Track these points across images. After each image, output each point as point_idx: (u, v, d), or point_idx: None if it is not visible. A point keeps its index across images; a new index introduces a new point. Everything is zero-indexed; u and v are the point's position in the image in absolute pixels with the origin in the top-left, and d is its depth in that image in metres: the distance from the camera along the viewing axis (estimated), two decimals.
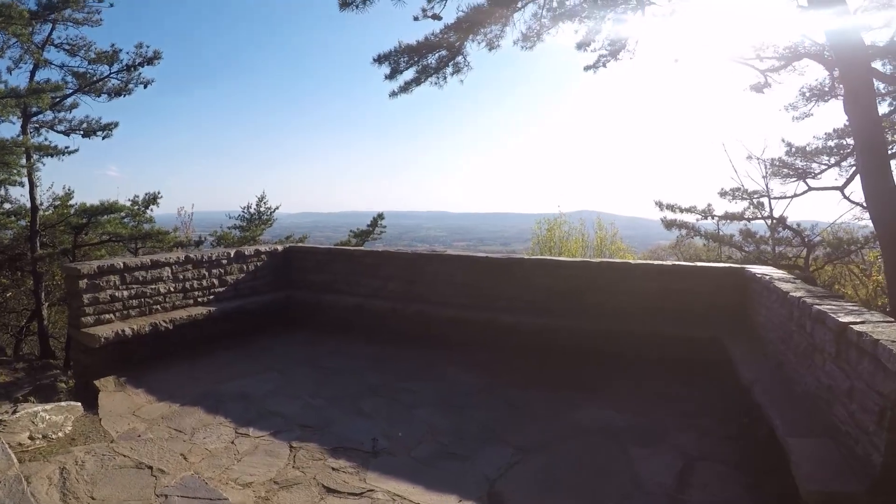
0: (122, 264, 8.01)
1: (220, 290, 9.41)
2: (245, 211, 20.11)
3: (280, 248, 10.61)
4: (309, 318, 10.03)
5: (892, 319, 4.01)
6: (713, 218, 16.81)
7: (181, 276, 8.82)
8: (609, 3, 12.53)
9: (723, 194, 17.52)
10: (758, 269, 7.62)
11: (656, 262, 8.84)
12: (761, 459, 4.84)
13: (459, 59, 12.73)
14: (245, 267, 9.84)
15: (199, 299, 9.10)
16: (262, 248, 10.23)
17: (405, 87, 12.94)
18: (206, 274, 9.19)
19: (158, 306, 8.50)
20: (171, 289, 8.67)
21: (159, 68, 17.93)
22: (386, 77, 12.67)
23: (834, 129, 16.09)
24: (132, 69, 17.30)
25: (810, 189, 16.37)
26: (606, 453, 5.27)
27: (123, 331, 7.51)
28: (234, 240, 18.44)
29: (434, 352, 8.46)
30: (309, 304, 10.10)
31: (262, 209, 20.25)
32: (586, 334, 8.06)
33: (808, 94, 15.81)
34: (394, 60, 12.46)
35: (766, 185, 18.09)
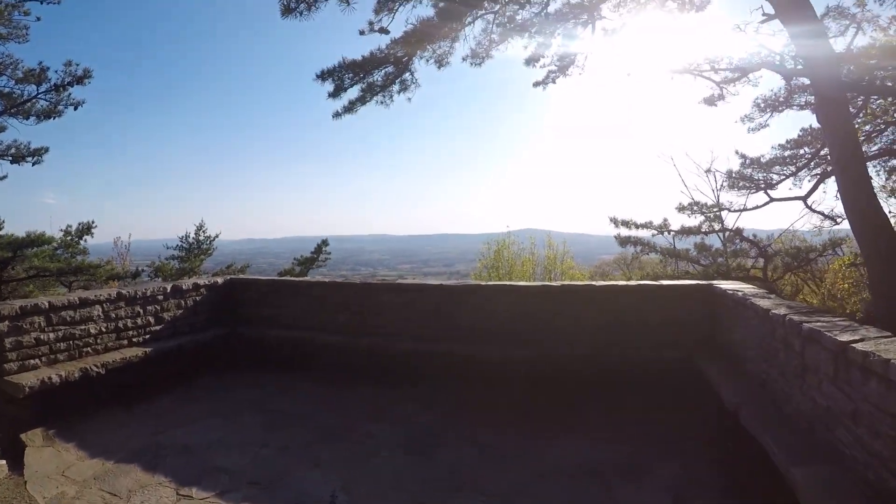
0: (46, 304, 7.45)
1: (157, 328, 8.91)
2: (183, 240, 19.46)
3: (220, 280, 10.14)
4: (254, 354, 9.58)
5: (889, 333, 3.81)
6: (669, 233, 16.90)
7: (113, 315, 8.28)
8: (559, 18, 12.45)
9: (681, 209, 17.63)
10: (726, 285, 7.54)
11: (621, 283, 8.66)
12: (756, 488, 4.62)
13: (407, 76, 12.45)
14: (183, 302, 9.33)
15: (135, 339, 8.57)
16: (201, 282, 9.76)
17: (350, 107, 12.54)
18: (141, 311, 8.67)
19: (89, 349, 7.95)
20: (103, 329, 8.13)
21: (93, 89, 17.16)
22: (329, 95, 12.24)
23: (788, 140, 16.36)
24: (61, 89, 16.49)
25: (772, 200, 16.50)
26: (590, 495, 4.97)
27: (50, 378, 6.97)
28: (172, 271, 17.75)
29: (392, 389, 8.14)
30: (253, 339, 9.67)
31: (201, 238, 19.60)
32: (552, 363, 7.87)
33: (762, 105, 15.97)
34: (338, 77, 12.02)
35: (717, 198, 18.42)
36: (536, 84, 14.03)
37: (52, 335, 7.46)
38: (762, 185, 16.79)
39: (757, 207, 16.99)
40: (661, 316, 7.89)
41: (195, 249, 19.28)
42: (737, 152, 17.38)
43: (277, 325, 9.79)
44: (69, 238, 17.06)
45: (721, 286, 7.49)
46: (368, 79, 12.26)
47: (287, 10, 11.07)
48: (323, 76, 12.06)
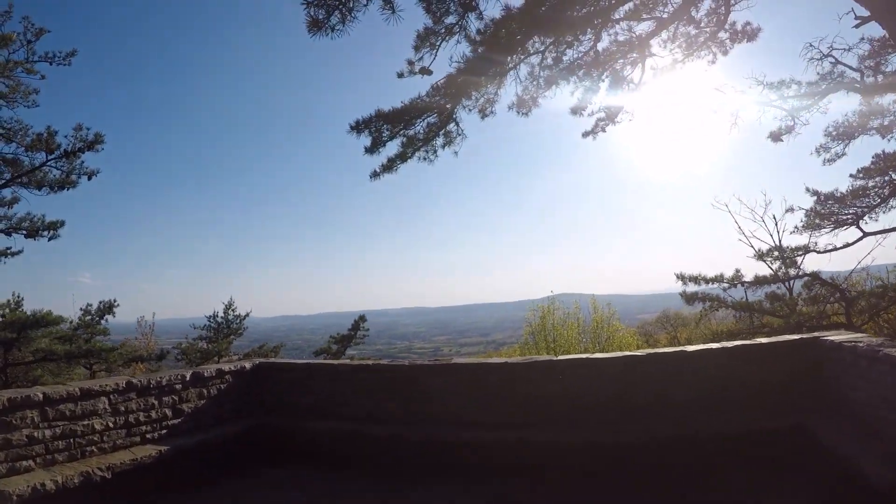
0: (41, 395, 6.49)
1: (175, 422, 7.89)
2: (212, 320, 18.58)
3: (248, 365, 9.08)
4: (289, 450, 8.42)
5: None
6: (742, 285, 16.02)
7: (123, 408, 7.30)
8: (607, 59, 11.80)
9: (760, 256, 16.58)
10: (837, 337, 6.82)
11: (714, 346, 7.62)
12: None
13: (451, 126, 11.53)
14: (205, 391, 8.32)
15: (149, 436, 7.55)
16: (226, 367, 8.73)
17: (389, 165, 11.57)
18: (156, 403, 7.67)
19: (94, 447, 6.94)
20: (110, 424, 7.13)
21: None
22: (366, 150, 11.22)
23: (859, 169, 15.33)
24: (72, 155, 15.73)
25: (866, 235, 15.37)
26: None
27: (44, 484, 6.00)
28: (199, 352, 16.75)
29: (455, 486, 6.91)
30: (287, 432, 8.57)
31: (230, 317, 18.69)
32: (643, 448, 6.85)
33: (835, 133, 14.90)
34: (375, 129, 10.99)
35: (780, 242, 18.02)
36: (585, 134, 13.67)
37: (48, 432, 6.50)
38: (850, 220, 15.60)
39: (847, 245, 15.83)
40: (760, 378, 7.17)
41: (224, 329, 18.36)
42: (808, 189, 16.57)
43: (314, 415, 8.69)
44: (88, 318, 16.28)
45: (830, 338, 6.76)
46: (409, 131, 11.30)
47: (315, 25, 9.10)
48: (358, 128, 11.03)
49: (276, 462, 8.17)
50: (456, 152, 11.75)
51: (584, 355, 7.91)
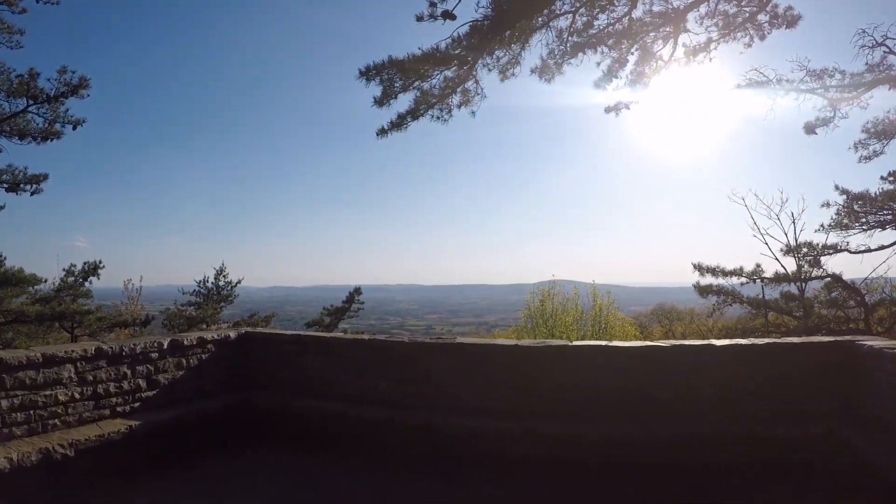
0: None
1: (150, 394, 7.29)
2: (201, 285, 17.92)
3: (233, 334, 8.46)
4: (275, 428, 7.84)
5: None
6: (762, 280, 15.50)
7: (91, 377, 6.71)
8: (640, 29, 11.05)
9: (787, 251, 15.99)
10: (876, 343, 6.35)
11: (744, 342, 6.95)
12: None
13: (470, 84, 10.77)
14: (185, 362, 7.71)
15: (119, 409, 6.98)
16: (208, 336, 8.07)
17: (399, 123, 10.86)
18: (129, 373, 7.07)
19: (57, 420, 6.36)
20: (77, 395, 6.55)
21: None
22: (375, 102, 10.48)
23: (890, 172, 14.74)
24: (55, 101, 14.69)
25: None
26: None
27: None
28: (185, 319, 16.08)
29: (457, 483, 6.28)
30: (274, 410, 7.98)
31: (221, 283, 18.01)
32: (661, 446, 6.35)
33: (873, 130, 14.24)
34: (386, 78, 10.22)
35: (796, 241, 17.78)
36: (608, 109, 13.21)
37: (4, 403, 5.94)
38: (890, 220, 15.02)
39: (883, 248, 15.29)
40: (789, 379, 6.67)
41: (214, 296, 17.70)
42: (837, 187, 15.92)
43: (304, 392, 8.10)
44: (71, 279, 15.59)
45: (869, 343, 6.35)
46: (423, 84, 10.54)
47: None
48: (367, 74, 10.21)
49: (261, 442, 7.57)
50: (473, 112, 11.05)
51: (601, 342, 7.26)
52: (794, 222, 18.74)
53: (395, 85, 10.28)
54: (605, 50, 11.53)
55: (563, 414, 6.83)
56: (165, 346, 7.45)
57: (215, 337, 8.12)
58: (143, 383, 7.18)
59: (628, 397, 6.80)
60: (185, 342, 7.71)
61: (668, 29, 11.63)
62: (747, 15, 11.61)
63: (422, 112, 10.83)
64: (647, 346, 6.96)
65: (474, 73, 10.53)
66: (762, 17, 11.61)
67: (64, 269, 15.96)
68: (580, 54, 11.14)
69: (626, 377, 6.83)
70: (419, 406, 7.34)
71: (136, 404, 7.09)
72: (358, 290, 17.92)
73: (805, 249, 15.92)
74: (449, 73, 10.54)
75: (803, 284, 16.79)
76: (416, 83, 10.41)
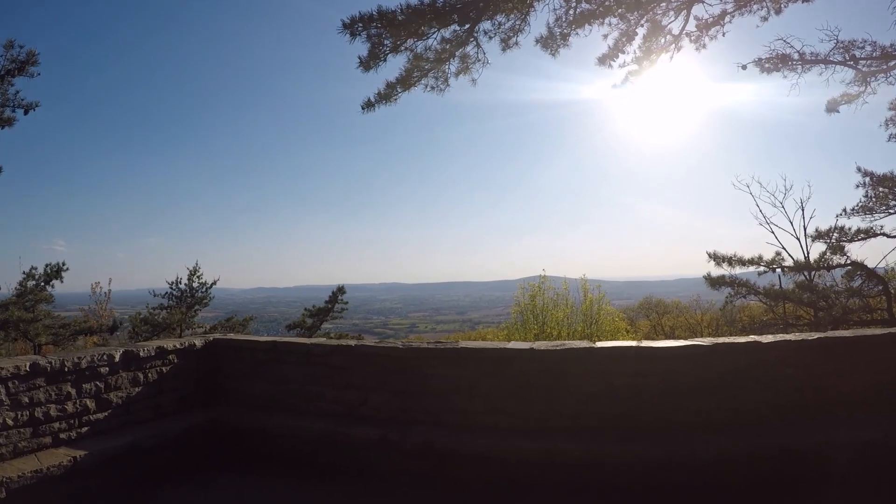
0: None
1: (100, 416, 6.35)
2: (174, 287, 16.80)
3: (199, 342, 7.46)
4: (251, 452, 6.87)
5: None
6: (781, 269, 14.78)
7: (27, 400, 5.77)
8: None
9: (816, 237, 15.24)
10: None
11: (793, 338, 6.15)
12: None
13: (471, 48, 9.69)
14: (142, 376, 6.74)
15: (63, 436, 6.03)
16: (169, 345, 7.09)
17: (387, 94, 9.75)
18: (73, 392, 6.11)
19: None
20: (9, 421, 5.62)
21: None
22: (361, 63, 9.27)
23: None
24: (2, 80, 13.23)
25: None
26: None
27: None
28: (152, 325, 15.01)
29: None
30: (247, 430, 7.00)
31: (195, 284, 16.91)
32: (711, 467, 5.44)
33: None
34: (374, 34, 9.03)
35: (805, 230, 17.90)
36: (615, 87, 12.44)
37: None
38: None
39: None
40: (845, 380, 5.94)
41: (188, 298, 16.60)
42: (859, 169, 15.19)
43: (282, 408, 7.13)
44: (32, 283, 14.52)
45: None
46: (417, 45, 9.42)
47: None
48: (352, 27, 9.01)
49: (235, 468, 6.60)
50: (474, 80, 9.98)
51: (630, 343, 6.33)
52: (802, 209, 18.38)
53: (385, 44, 9.19)
54: (614, 21, 10.78)
55: (589, 429, 5.94)
56: (117, 359, 6.46)
57: (177, 346, 7.15)
58: (91, 404, 6.22)
59: (667, 408, 5.95)
60: (142, 353, 6.73)
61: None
62: None
63: (415, 80, 9.81)
64: (687, 346, 6.05)
65: (475, 34, 9.50)
66: None
67: (24, 273, 14.95)
68: (587, 25, 10.33)
69: (662, 384, 5.98)
70: (417, 422, 6.40)
71: (84, 429, 6.14)
72: (341, 290, 16.98)
73: (836, 234, 15.07)
74: (447, 34, 9.49)
75: (812, 274, 16.09)
76: (409, 43, 9.35)
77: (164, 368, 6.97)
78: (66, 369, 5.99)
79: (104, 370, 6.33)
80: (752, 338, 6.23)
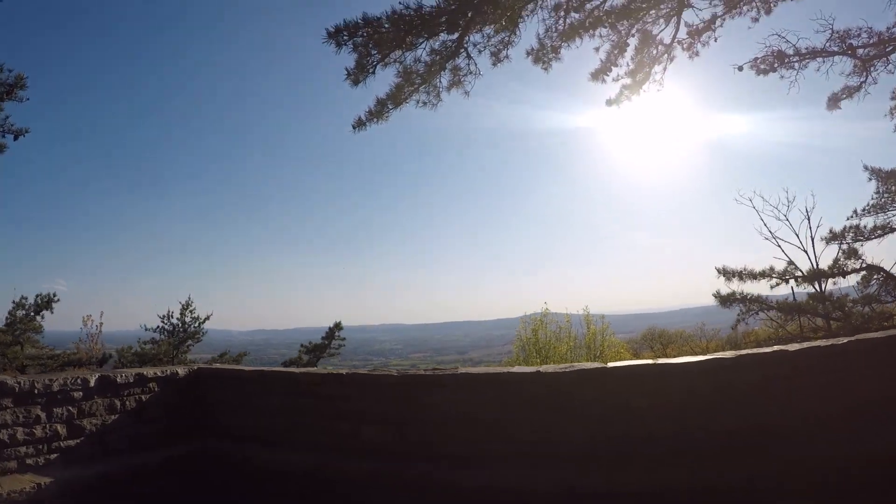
0: None
1: (71, 443, 5.97)
2: (165, 321, 16.25)
3: (181, 371, 7.07)
4: (232, 487, 6.46)
5: None
6: (795, 280, 14.42)
7: None
8: (638, 8, 10.47)
9: (831, 238, 14.87)
10: None
11: (823, 344, 5.77)
12: None
13: (461, 60, 9.43)
14: (119, 403, 6.34)
15: (30, 461, 5.69)
16: (149, 372, 6.71)
17: (378, 111, 9.40)
18: (43, 416, 5.72)
19: None
20: None
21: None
22: (348, 75, 8.91)
23: None
24: None
25: None
26: None
27: None
28: (138, 355, 14.54)
29: None
30: (231, 464, 6.60)
31: (187, 319, 16.37)
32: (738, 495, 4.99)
33: None
34: (360, 44, 8.65)
35: (813, 242, 17.39)
36: (609, 102, 12.29)
37: None
38: None
39: None
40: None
41: (180, 332, 16.07)
42: (866, 167, 15.01)
43: (268, 441, 6.68)
44: (21, 313, 14.14)
45: None
46: (406, 56, 9.08)
47: None
48: (337, 36, 8.61)
49: None
50: (467, 93, 9.68)
51: (646, 361, 5.93)
52: (808, 217, 17.97)
53: (372, 54, 8.84)
54: (604, 32, 10.74)
55: (605, 458, 5.41)
56: (92, 384, 6.08)
57: (159, 374, 6.76)
58: (62, 430, 5.83)
59: (691, 430, 5.43)
60: (119, 379, 6.35)
61: (670, 5, 10.79)
62: None
63: (406, 96, 9.49)
64: (707, 360, 5.63)
65: (465, 45, 9.24)
66: None
67: (14, 302, 14.58)
68: (577, 38, 10.27)
69: (681, 404, 5.48)
70: (414, 455, 5.91)
71: (53, 456, 5.75)
72: (338, 325, 16.48)
73: (852, 234, 14.70)
74: (435, 45, 9.21)
75: (822, 283, 15.70)
76: (398, 55, 9.03)
77: (143, 396, 6.56)
78: (36, 391, 5.61)
79: (77, 395, 5.95)
80: (778, 347, 5.84)
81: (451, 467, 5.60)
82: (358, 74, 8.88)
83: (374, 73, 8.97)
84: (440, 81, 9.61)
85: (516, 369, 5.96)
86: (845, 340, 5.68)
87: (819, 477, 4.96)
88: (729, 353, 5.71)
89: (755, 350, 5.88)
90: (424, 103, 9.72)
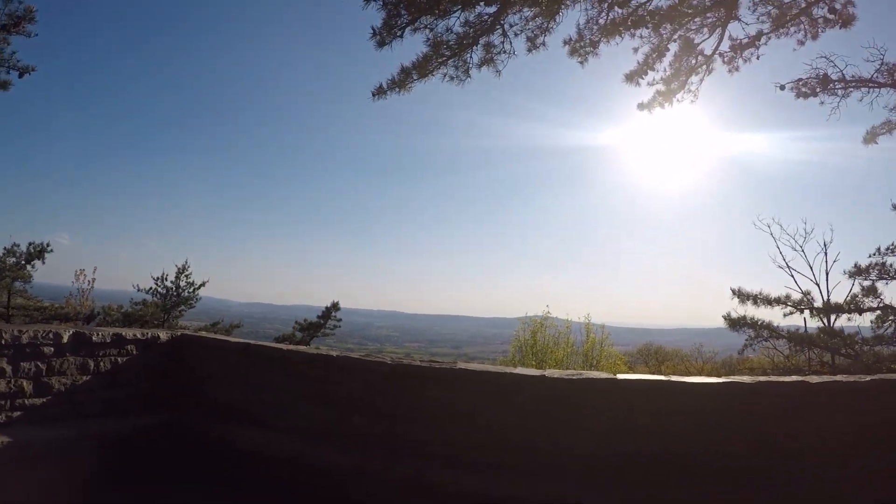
0: None
1: (37, 401, 5.58)
2: (159, 283, 15.84)
3: (164, 335, 6.68)
4: (206, 464, 6.03)
5: None
6: (810, 311, 14.20)
7: None
8: (684, 13, 10.21)
9: (855, 273, 14.53)
10: None
11: (846, 379, 5.32)
12: None
13: (496, 36, 8.98)
14: (93, 364, 5.95)
15: None
16: (129, 333, 6.32)
17: (401, 81, 8.99)
18: (8, 370, 5.36)
19: None
20: None
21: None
22: (374, 35, 8.48)
23: None
24: None
25: None
26: None
27: None
28: (124, 315, 14.19)
29: None
30: (208, 439, 6.20)
31: (181, 283, 15.97)
32: None
33: None
34: (392, 1, 8.23)
35: (828, 271, 16.95)
36: (641, 106, 11.98)
37: None
38: None
39: None
40: None
41: (173, 296, 15.67)
42: (894, 206, 14.51)
43: (250, 418, 6.29)
44: (12, 260, 13.87)
45: None
46: (438, 24, 8.65)
47: None
48: None
49: (184, 482, 5.77)
50: (499, 71, 9.27)
51: (659, 377, 5.47)
52: (825, 252, 17.66)
53: (401, 14, 8.40)
54: (645, 33, 10.44)
55: (607, 474, 5.02)
56: (65, 340, 5.69)
57: (138, 336, 6.37)
58: (28, 386, 5.44)
59: (702, 456, 4.99)
60: (95, 338, 5.96)
61: (716, 14, 10.53)
62: (803, 5, 10.54)
63: (432, 68, 9.05)
64: (726, 383, 5.23)
65: (502, 21, 8.81)
66: (818, 11, 10.56)
67: (5, 248, 14.33)
68: (618, 35, 9.95)
69: (695, 427, 5.07)
70: (404, 452, 5.51)
71: (16, 414, 5.36)
72: (336, 306, 16.12)
73: (876, 271, 14.30)
74: (471, 17, 8.80)
75: (833, 318, 15.38)
76: (428, 21, 8.60)
77: (120, 359, 6.17)
78: (3, 342, 5.22)
79: (48, 350, 5.56)
80: (800, 378, 5.42)
81: (442, 468, 5.21)
82: (385, 35, 8.49)
83: (401, 36, 8.58)
84: (471, 57, 9.21)
85: (519, 371, 5.56)
86: (868, 378, 5.23)
87: None
88: (746, 378, 5.35)
89: (775, 378, 5.48)
90: (452, 78, 9.33)
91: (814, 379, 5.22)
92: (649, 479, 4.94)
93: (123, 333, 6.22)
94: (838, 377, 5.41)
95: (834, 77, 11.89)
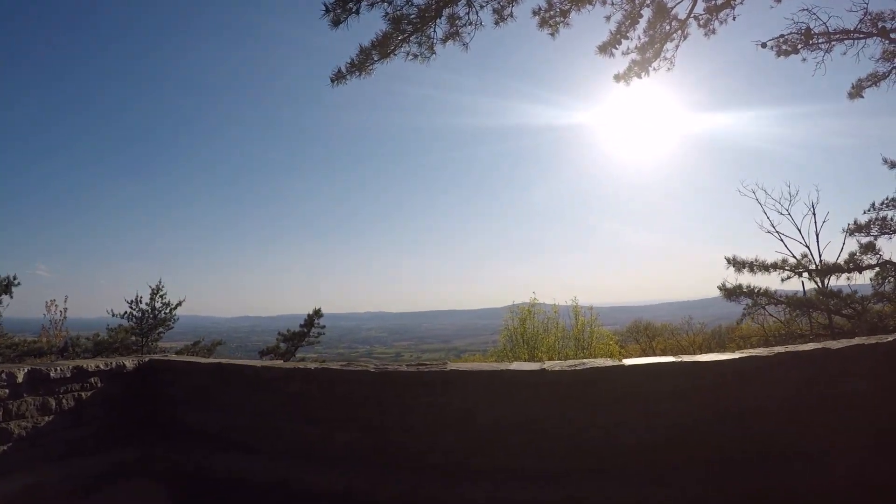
0: None
1: None
2: (134, 306, 15.28)
3: (129, 363, 6.28)
4: (185, 496, 5.64)
5: None
6: (809, 273, 13.94)
7: None
8: None
9: (854, 230, 14.28)
10: None
11: (868, 341, 4.81)
12: None
13: (460, 7, 8.54)
14: (54, 402, 5.55)
15: None
16: (90, 366, 5.91)
17: (361, 63, 8.46)
18: None
19: None
20: None
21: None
22: (326, 12, 7.86)
23: None
24: None
25: None
26: None
27: None
28: (95, 343, 13.71)
29: None
30: (184, 472, 5.77)
31: (157, 304, 15.42)
32: None
33: None
34: None
35: (818, 232, 17.03)
36: (617, 77, 11.71)
37: None
38: None
39: None
40: None
41: (149, 319, 15.13)
42: (885, 160, 14.67)
43: (228, 445, 5.92)
44: None
45: None
46: None
47: None
48: None
49: None
50: (466, 45, 8.79)
51: (670, 358, 5.08)
52: (813, 213, 17.60)
53: None
54: (616, 0, 10.21)
55: (624, 473, 4.63)
56: (20, 380, 5.26)
57: (101, 367, 5.95)
58: None
59: (724, 440, 4.64)
60: (53, 374, 5.53)
61: None
62: None
63: (392, 47, 8.54)
64: (741, 360, 4.78)
65: None
66: None
67: None
68: (588, 4, 9.84)
69: (715, 410, 4.69)
70: (395, 467, 5.15)
71: None
72: (318, 312, 15.69)
73: (877, 226, 14.07)
74: None
75: (826, 280, 15.24)
76: None
77: (84, 394, 5.77)
78: None
79: (2, 393, 5.14)
80: (822, 344, 5.02)
81: (437, 481, 4.83)
82: (339, 12, 7.95)
83: (357, 12, 8.03)
84: (434, 31, 8.72)
85: (515, 366, 5.16)
86: (891, 338, 4.82)
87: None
88: (763, 351, 4.92)
89: (794, 347, 5.08)
90: (416, 56, 8.85)
91: (834, 344, 4.86)
92: (669, 471, 4.59)
93: (85, 366, 5.79)
94: (855, 340, 5.02)
95: (817, 31, 11.61)
